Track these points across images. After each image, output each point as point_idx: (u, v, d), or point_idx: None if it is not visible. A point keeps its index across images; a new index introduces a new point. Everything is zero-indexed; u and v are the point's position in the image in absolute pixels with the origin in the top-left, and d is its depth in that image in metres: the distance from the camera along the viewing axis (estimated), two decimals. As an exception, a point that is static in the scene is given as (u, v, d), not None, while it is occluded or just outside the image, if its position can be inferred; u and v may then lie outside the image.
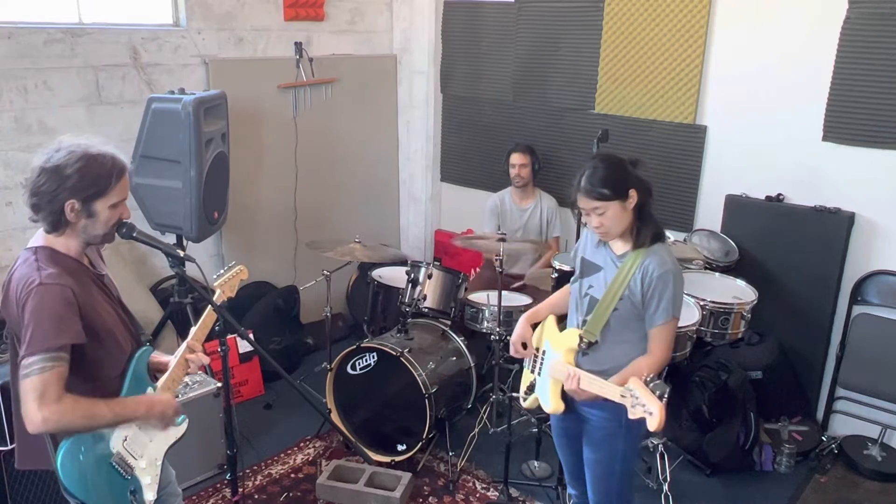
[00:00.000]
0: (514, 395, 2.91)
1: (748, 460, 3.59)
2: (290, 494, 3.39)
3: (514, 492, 3.40)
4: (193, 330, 2.15)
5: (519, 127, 4.85)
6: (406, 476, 3.36)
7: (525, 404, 2.57)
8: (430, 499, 3.40)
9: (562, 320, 2.53)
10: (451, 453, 3.57)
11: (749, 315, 3.46)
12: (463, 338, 3.89)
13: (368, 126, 5.19)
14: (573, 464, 2.58)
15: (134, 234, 1.98)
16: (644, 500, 3.24)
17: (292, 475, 3.54)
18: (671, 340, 2.31)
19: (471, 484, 3.50)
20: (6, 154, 3.51)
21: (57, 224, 1.86)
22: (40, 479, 2.79)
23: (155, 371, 2.12)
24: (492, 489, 3.46)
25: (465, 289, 3.95)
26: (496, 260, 3.56)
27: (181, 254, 2.10)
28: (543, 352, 2.48)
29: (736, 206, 4.00)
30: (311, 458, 3.68)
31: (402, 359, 3.42)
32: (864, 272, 3.69)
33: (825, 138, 3.69)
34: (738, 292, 3.55)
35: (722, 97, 3.99)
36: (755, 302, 3.48)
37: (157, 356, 2.16)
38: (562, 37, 4.53)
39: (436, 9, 5.07)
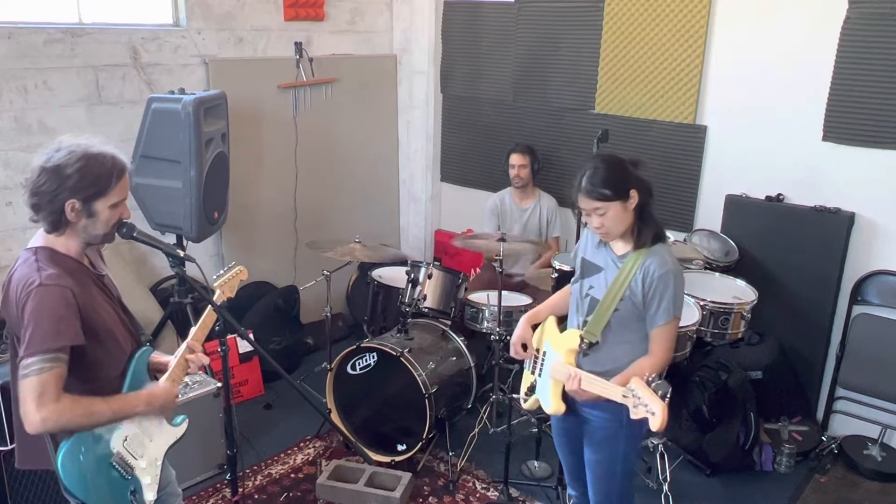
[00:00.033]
0: (515, 396, 2.91)
1: (748, 460, 3.59)
2: (290, 494, 3.39)
3: (514, 492, 3.40)
4: (193, 330, 2.15)
5: (519, 127, 4.85)
6: (406, 476, 3.36)
7: (526, 406, 2.57)
8: (430, 499, 3.40)
9: (562, 321, 2.53)
10: (451, 453, 3.57)
11: (749, 315, 3.46)
12: (463, 338, 3.89)
13: (368, 126, 5.19)
14: (573, 464, 2.58)
15: (134, 234, 1.98)
16: (644, 500, 3.24)
17: (292, 475, 3.54)
18: (672, 341, 2.31)
19: (471, 484, 3.50)
20: (6, 154, 3.51)
21: (57, 224, 1.86)
22: (40, 479, 2.79)
23: (155, 371, 2.12)
24: (492, 489, 3.46)
25: (465, 289, 3.95)
26: (496, 260, 3.56)
27: (181, 254, 2.10)
28: (544, 353, 2.47)
29: (736, 206, 4.01)
30: (311, 458, 3.68)
31: (402, 359, 3.42)
32: (864, 272, 3.69)
33: (825, 138, 3.69)
34: (738, 292, 3.55)
35: (722, 97, 3.99)
36: (755, 302, 3.48)
37: (157, 356, 2.16)
38: (562, 37, 4.53)
39: (436, 9, 5.07)
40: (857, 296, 3.73)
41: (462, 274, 3.92)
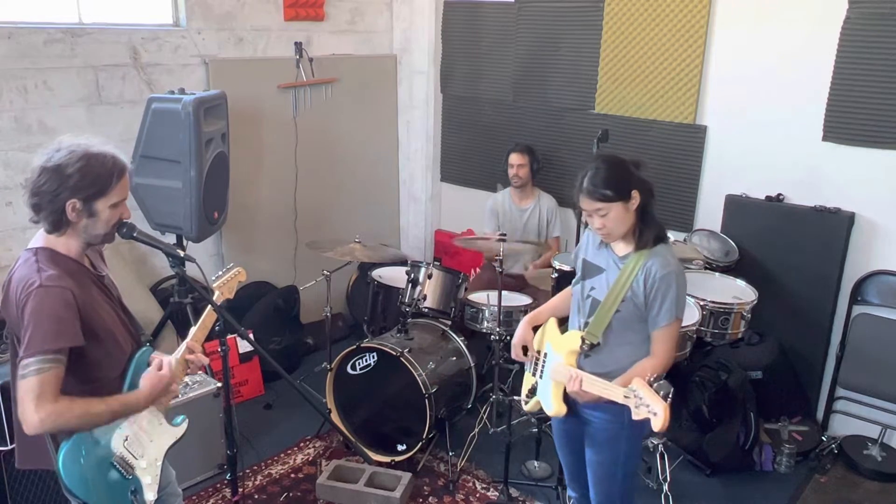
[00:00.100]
0: (516, 398, 2.91)
1: (748, 460, 3.60)
2: (290, 494, 3.39)
3: (514, 492, 3.40)
4: (193, 330, 2.15)
5: (519, 127, 4.85)
6: (406, 476, 3.36)
7: (527, 408, 2.56)
8: (430, 499, 3.40)
9: (563, 323, 2.52)
10: (451, 453, 3.57)
11: (749, 315, 3.47)
12: (463, 338, 3.89)
13: (368, 126, 5.19)
14: (574, 465, 2.57)
15: (134, 234, 1.98)
16: (644, 500, 3.24)
17: (292, 475, 3.54)
18: (675, 342, 2.31)
19: (471, 484, 3.50)
20: (6, 154, 3.50)
21: (58, 224, 1.86)
22: (40, 479, 2.80)
23: (155, 372, 2.12)
24: (492, 489, 3.46)
25: (465, 289, 3.95)
26: (496, 260, 3.56)
27: (181, 254, 2.10)
28: (545, 354, 2.47)
29: (736, 206, 4.01)
30: (311, 458, 3.68)
31: (402, 359, 3.42)
32: (864, 272, 3.69)
33: (825, 138, 3.69)
34: (738, 292, 3.55)
35: (722, 97, 3.99)
36: (755, 302, 3.49)
37: (157, 356, 2.15)
38: (562, 37, 4.53)
39: (436, 9, 5.07)
40: (857, 296, 3.73)
41: (462, 274, 3.92)
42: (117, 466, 1.93)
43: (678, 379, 3.58)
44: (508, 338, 3.53)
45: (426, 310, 3.81)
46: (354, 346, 3.55)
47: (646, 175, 2.28)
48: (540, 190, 4.55)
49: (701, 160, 4.13)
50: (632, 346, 2.31)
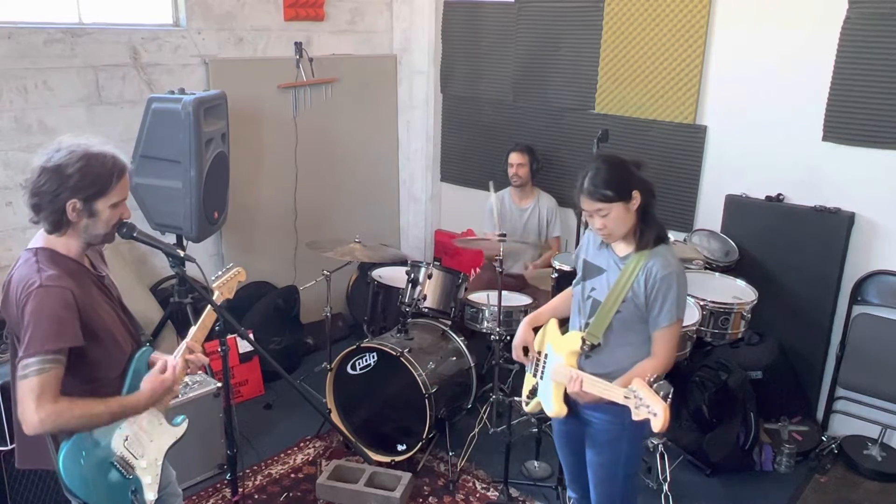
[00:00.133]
0: (517, 399, 2.90)
1: (748, 460, 3.60)
2: (290, 494, 3.39)
3: (514, 492, 3.40)
4: (193, 330, 2.15)
5: (519, 127, 4.85)
6: (406, 476, 3.36)
7: (528, 409, 2.56)
8: (430, 499, 3.40)
9: (564, 324, 2.52)
10: (451, 453, 3.57)
11: (749, 315, 3.46)
12: (463, 338, 3.89)
13: (368, 126, 5.19)
14: (574, 466, 2.57)
15: (134, 234, 1.98)
16: (644, 500, 3.23)
17: (292, 475, 3.54)
18: (676, 343, 2.31)
19: (471, 484, 3.50)
20: (6, 154, 3.50)
21: (58, 224, 1.86)
22: (40, 479, 2.80)
23: (155, 372, 2.12)
24: (492, 489, 3.46)
25: (465, 289, 3.95)
26: (496, 260, 3.56)
27: (181, 254, 2.10)
28: (545, 355, 2.46)
29: (736, 206, 4.01)
30: (311, 458, 3.68)
31: (402, 359, 3.42)
32: (864, 272, 3.69)
33: (825, 138, 3.69)
34: (738, 292, 3.55)
35: (722, 97, 3.99)
36: (755, 302, 3.48)
37: (157, 356, 2.15)
38: (562, 37, 4.53)
39: (436, 9, 5.07)
40: (857, 296, 3.73)
41: (462, 274, 3.92)
42: (117, 466, 1.93)
43: (678, 379, 3.58)
44: (508, 338, 3.53)
45: (426, 310, 3.81)
46: (354, 346, 3.55)
47: (646, 175, 2.28)
48: (540, 190, 4.56)
49: (701, 160, 4.13)
50: (632, 347, 2.30)
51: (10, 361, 1.92)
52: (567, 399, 2.36)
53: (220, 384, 3.34)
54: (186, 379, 3.22)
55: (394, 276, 4.10)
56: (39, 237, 1.92)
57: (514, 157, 4.41)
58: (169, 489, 2.25)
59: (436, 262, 4.68)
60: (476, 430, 3.77)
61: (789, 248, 3.81)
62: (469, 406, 3.87)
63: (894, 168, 3.52)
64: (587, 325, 2.34)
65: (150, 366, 2.08)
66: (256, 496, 3.37)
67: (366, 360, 3.55)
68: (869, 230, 3.67)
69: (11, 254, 3.52)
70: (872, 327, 3.68)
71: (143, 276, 4.11)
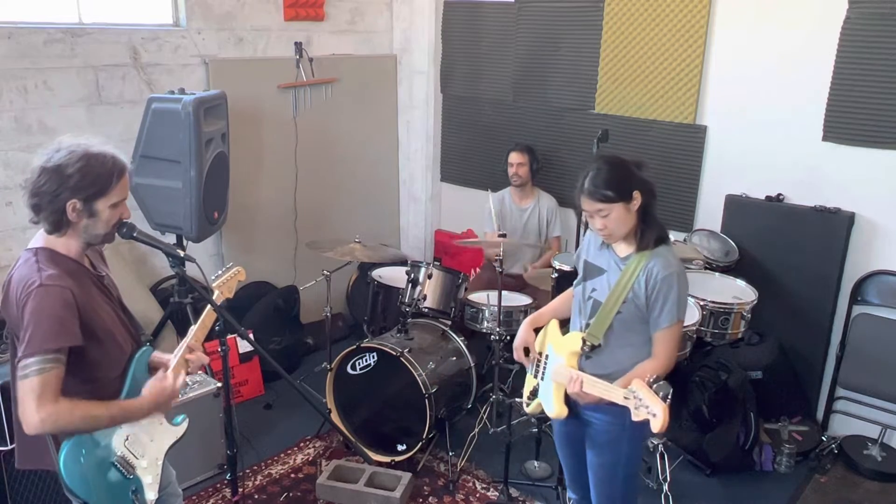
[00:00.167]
0: (518, 400, 2.90)
1: (748, 460, 3.60)
2: (290, 494, 3.39)
3: (514, 492, 3.40)
4: (193, 330, 2.15)
5: (519, 127, 4.85)
6: (406, 476, 3.36)
7: (528, 410, 2.56)
8: (430, 499, 3.40)
9: (564, 325, 2.51)
10: (451, 453, 3.57)
11: (749, 315, 3.47)
12: (463, 338, 3.89)
13: (368, 126, 5.19)
14: (575, 467, 2.57)
15: (134, 234, 1.98)
16: (644, 500, 3.23)
17: (292, 475, 3.54)
18: (676, 343, 2.30)
19: (471, 484, 3.50)
20: (6, 154, 3.50)
21: (58, 224, 1.86)
22: (40, 479, 2.80)
23: (155, 371, 2.11)
24: (492, 489, 3.46)
25: (465, 289, 3.95)
26: (496, 260, 3.56)
27: (181, 254, 2.10)
28: (546, 356, 2.46)
29: (736, 206, 4.01)
30: (311, 458, 3.68)
31: (402, 359, 3.42)
32: (864, 272, 3.69)
33: (825, 138, 3.69)
34: (738, 292, 3.55)
35: (722, 97, 3.99)
36: (755, 302, 3.49)
37: (158, 356, 2.15)
38: (562, 37, 4.53)
39: (436, 9, 5.07)
40: (857, 296, 3.73)
41: (462, 274, 3.92)
42: (118, 466, 1.93)
43: (678, 379, 3.58)
44: (508, 338, 3.53)
45: (426, 310, 3.81)
46: (354, 346, 3.55)
47: (647, 175, 2.28)
48: (540, 190, 4.56)
49: (701, 160, 4.13)
50: (633, 348, 2.30)
51: (10, 361, 1.91)
52: (567, 400, 2.35)
53: (220, 384, 3.33)
54: (186, 379, 3.21)
55: (394, 276, 4.10)
56: (39, 237, 1.92)
57: (514, 157, 4.42)
58: (169, 489, 2.25)
59: (436, 262, 4.68)
60: (476, 430, 3.77)
61: (789, 248, 3.81)
62: (469, 406, 3.87)
63: (894, 168, 3.53)
64: (588, 325, 2.33)
65: (150, 366, 2.08)
66: (256, 496, 3.37)
67: (366, 360, 3.55)
68: (869, 230, 3.67)
69: (11, 254, 3.52)
70: (872, 327, 3.68)
71: (143, 276, 4.11)
